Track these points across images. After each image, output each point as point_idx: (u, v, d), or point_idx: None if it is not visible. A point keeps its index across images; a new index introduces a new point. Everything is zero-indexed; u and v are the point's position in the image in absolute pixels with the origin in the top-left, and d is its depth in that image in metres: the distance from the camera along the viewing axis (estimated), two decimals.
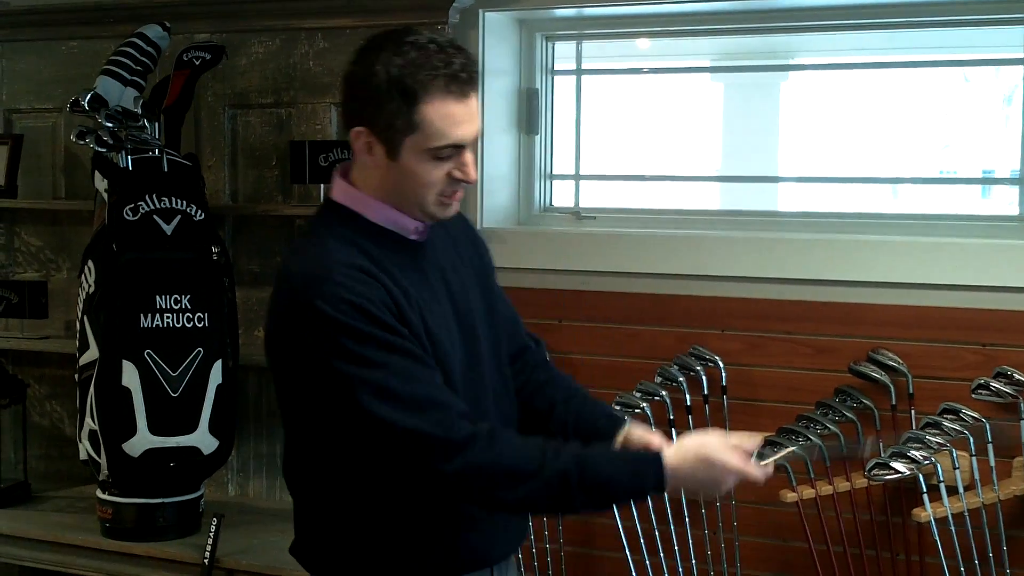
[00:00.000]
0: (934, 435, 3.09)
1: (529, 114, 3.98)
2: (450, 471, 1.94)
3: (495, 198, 3.92)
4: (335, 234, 2.04)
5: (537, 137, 4.00)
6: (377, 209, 2.06)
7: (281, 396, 2.14)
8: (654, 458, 2.03)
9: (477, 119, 2.01)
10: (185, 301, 3.56)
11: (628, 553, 3.48)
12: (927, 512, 3.07)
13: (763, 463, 2.13)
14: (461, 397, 2.05)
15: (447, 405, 1.97)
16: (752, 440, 2.10)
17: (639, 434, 2.21)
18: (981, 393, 3.18)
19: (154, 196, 3.59)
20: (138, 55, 3.79)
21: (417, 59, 1.95)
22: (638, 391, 3.49)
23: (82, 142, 3.64)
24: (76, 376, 3.67)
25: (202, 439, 3.58)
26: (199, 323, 3.57)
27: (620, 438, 2.21)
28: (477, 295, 2.21)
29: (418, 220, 2.08)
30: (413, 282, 2.04)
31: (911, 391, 3.33)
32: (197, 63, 3.85)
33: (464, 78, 1.97)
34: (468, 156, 2.01)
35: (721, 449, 2.04)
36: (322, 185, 3.66)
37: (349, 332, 1.92)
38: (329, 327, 1.93)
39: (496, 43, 3.86)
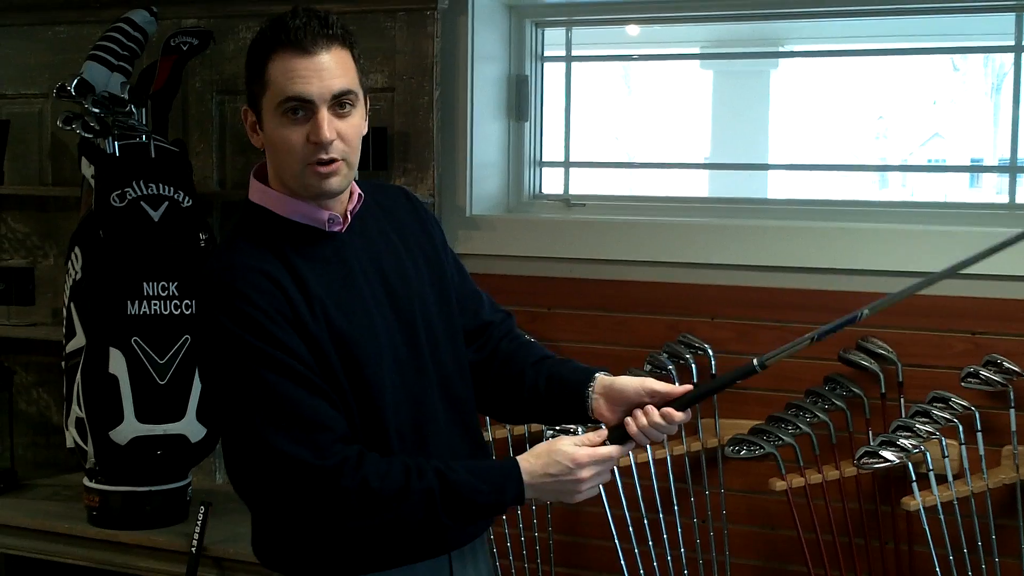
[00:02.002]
0: (923, 423, 3.10)
1: (519, 101, 3.97)
2: (320, 499, 1.94)
3: (484, 185, 3.91)
4: (248, 234, 2.06)
5: (527, 124, 3.99)
6: (284, 203, 2.07)
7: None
8: (512, 469, 2.04)
9: (330, 77, 2.00)
10: (172, 288, 3.54)
11: (617, 541, 3.47)
12: (916, 500, 3.08)
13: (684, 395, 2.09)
14: (391, 392, 2.05)
15: (321, 427, 1.96)
16: (598, 433, 2.10)
17: (621, 384, 2.16)
18: (971, 382, 3.18)
19: (141, 182, 3.57)
20: (125, 40, 3.77)
21: (267, 28, 2.03)
22: None
23: (69, 128, 3.61)
24: (63, 363, 3.65)
25: (189, 427, 3.57)
26: (187, 310, 3.56)
27: (594, 388, 2.17)
28: (425, 278, 2.19)
29: (316, 203, 2.06)
30: (330, 280, 2.04)
31: (900, 379, 3.33)
32: (184, 48, 3.83)
33: (302, 35, 1.99)
34: (320, 116, 2.00)
35: (569, 444, 2.06)
36: None
37: (237, 344, 1.95)
38: (223, 336, 1.96)
39: (485, 29, 3.85)
